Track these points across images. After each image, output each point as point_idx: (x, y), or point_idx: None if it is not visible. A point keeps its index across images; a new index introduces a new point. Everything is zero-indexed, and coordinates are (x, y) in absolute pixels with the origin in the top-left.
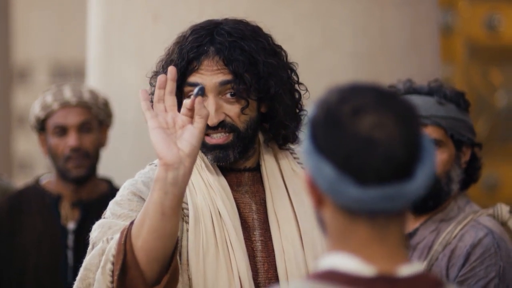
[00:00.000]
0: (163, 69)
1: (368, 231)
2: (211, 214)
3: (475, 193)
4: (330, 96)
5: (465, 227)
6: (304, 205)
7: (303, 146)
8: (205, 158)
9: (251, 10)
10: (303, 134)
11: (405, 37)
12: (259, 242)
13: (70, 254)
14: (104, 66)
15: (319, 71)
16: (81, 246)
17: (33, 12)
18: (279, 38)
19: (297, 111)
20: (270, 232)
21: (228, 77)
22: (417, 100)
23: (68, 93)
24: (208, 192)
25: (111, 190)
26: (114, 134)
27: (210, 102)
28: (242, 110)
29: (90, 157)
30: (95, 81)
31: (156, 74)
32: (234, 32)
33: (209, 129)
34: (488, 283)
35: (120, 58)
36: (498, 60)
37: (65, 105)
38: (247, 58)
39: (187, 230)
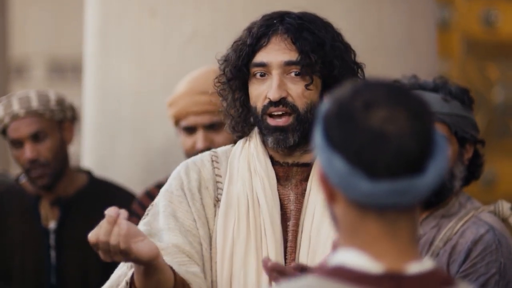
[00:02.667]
0: (233, 51)
1: (378, 226)
2: (248, 201)
3: (472, 188)
4: (343, 91)
5: (466, 223)
6: None
7: (315, 140)
8: (259, 147)
9: (248, 4)
10: (315, 128)
11: (402, 32)
12: (290, 232)
13: (53, 254)
14: (100, 61)
15: None
16: (63, 244)
17: (30, 7)
18: None
19: None
20: (303, 222)
21: (294, 57)
22: None
23: (16, 105)
24: (251, 180)
25: (91, 182)
26: (110, 130)
27: (274, 78)
28: (307, 87)
29: (51, 165)
30: (92, 76)
31: (226, 56)
32: (304, 17)
33: (271, 106)
34: (488, 279)
35: (117, 53)
36: (495, 55)
37: (14, 118)
38: (314, 39)
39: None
